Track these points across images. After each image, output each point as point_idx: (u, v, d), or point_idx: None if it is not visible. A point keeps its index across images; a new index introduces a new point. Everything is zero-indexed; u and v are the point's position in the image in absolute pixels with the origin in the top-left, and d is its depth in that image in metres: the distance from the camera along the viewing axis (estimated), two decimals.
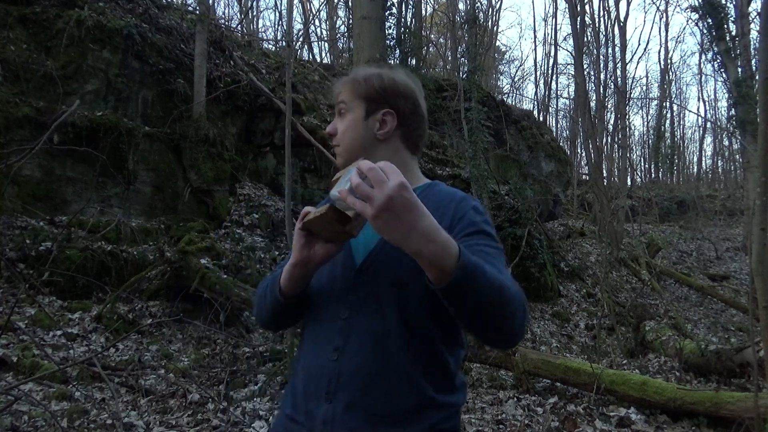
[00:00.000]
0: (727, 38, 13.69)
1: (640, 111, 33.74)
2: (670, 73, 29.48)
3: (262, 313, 1.20)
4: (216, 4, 19.49)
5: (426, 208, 0.85)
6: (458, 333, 1.11)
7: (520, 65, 59.52)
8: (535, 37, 58.32)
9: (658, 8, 39.18)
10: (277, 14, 31.24)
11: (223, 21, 13.61)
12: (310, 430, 1.04)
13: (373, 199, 0.81)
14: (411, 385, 1.02)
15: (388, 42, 9.90)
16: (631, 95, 25.82)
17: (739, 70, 13.45)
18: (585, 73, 16.53)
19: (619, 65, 20.37)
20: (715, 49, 14.38)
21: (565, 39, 31.72)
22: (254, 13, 20.55)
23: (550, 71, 26.48)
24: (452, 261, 0.84)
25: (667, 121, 28.28)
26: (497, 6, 28.93)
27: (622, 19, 23.51)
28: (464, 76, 11.35)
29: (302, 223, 1.00)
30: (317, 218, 0.95)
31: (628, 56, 23.10)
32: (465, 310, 0.90)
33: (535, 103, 27.16)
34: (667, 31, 57.78)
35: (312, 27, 20.21)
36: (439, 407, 1.04)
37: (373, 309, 1.05)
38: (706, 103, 41.52)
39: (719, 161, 31.91)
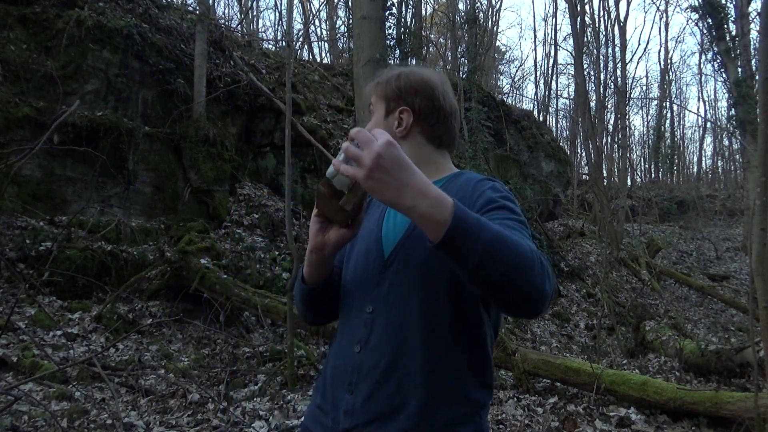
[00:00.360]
0: (727, 38, 13.70)
1: (640, 111, 33.76)
2: (670, 73, 29.53)
3: (298, 304, 1.24)
4: (216, 4, 19.49)
5: (415, 166, 0.86)
6: (484, 328, 1.10)
7: (520, 65, 59.56)
8: (535, 37, 58.33)
9: (658, 8, 39.22)
10: (277, 14, 31.25)
11: (223, 21, 13.62)
12: (333, 420, 1.09)
13: (363, 158, 0.82)
14: (427, 378, 1.03)
15: (388, 42, 9.90)
16: (631, 95, 25.85)
17: (739, 70, 13.45)
18: (585, 73, 16.54)
19: (619, 65, 20.36)
20: (715, 49, 14.39)
21: (565, 39, 31.71)
22: (254, 13, 20.57)
23: (550, 71, 26.52)
24: (447, 212, 0.83)
25: (667, 121, 28.31)
26: (497, 6, 28.93)
27: (622, 19, 23.51)
28: (464, 76, 11.37)
29: (315, 208, 1.03)
30: (318, 197, 0.99)
31: (628, 56, 23.10)
32: (472, 266, 0.85)
33: (535, 103, 27.20)
34: (667, 31, 57.87)
35: (312, 27, 20.23)
36: (455, 402, 1.04)
37: (396, 302, 1.07)
38: (706, 103, 41.50)
39: (719, 161, 31.97)
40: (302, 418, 1.23)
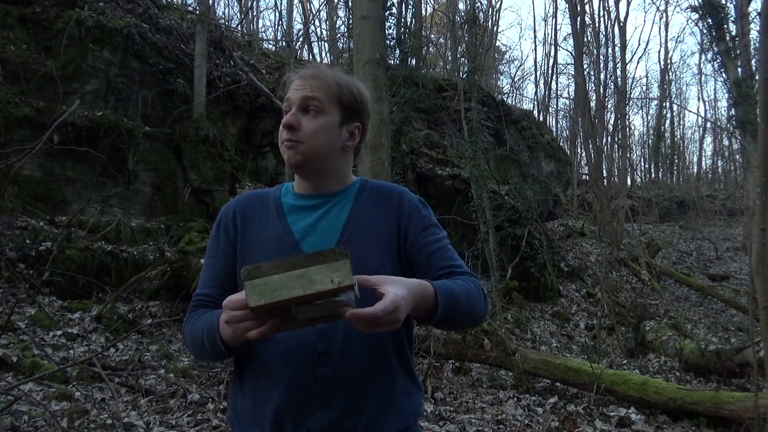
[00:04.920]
0: (727, 38, 13.68)
1: (640, 111, 33.72)
2: (670, 73, 29.47)
3: (203, 356, 1.15)
4: (216, 4, 19.46)
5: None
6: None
7: (520, 65, 59.39)
8: (535, 37, 58.22)
9: (658, 8, 39.25)
10: (277, 14, 31.25)
11: (223, 21, 13.61)
12: None
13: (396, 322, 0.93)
14: (393, 374, 1.12)
15: (388, 42, 9.89)
16: (631, 95, 25.82)
17: (739, 70, 13.44)
18: (585, 73, 16.55)
19: (619, 65, 20.32)
20: (715, 49, 14.36)
21: (565, 39, 31.74)
22: (254, 13, 20.54)
23: (550, 71, 26.49)
24: (432, 300, 1.02)
25: (667, 121, 28.27)
26: (497, 6, 28.82)
27: (622, 19, 23.53)
28: (464, 76, 11.35)
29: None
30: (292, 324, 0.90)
31: (628, 56, 23.02)
32: (456, 323, 1.11)
33: (535, 103, 27.19)
34: (667, 31, 57.82)
35: (312, 27, 20.20)
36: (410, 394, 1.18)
37: None
38: (706, 103, 41.51)
39: (719, 161, 31.96)
40: None
